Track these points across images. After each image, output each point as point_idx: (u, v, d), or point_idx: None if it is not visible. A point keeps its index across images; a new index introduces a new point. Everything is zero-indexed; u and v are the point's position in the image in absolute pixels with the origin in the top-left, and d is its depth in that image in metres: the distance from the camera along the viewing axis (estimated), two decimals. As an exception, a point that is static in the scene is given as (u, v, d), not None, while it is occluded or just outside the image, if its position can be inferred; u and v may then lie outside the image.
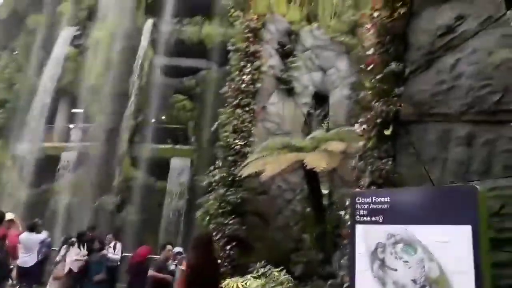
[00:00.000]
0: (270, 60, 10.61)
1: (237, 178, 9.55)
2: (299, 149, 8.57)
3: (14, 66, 22.41)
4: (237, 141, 9.70)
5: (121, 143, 18.67)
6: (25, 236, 9.28)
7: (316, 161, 7.34)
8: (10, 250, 5.58)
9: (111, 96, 19.30)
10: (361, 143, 4.21)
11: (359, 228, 3.40)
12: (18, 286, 8.99)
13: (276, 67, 10.71)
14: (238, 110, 9.86)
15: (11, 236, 5.72)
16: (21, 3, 23.41)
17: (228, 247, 9.19)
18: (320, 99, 12.00)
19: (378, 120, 3.93)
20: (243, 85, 9.96)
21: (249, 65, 10.06)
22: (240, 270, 8.94)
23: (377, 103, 3.98)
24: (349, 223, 3.65)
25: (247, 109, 9.92)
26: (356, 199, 3.46)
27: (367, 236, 3.34)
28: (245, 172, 8.31)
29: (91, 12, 21.79)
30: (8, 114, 21.09)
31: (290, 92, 10.89)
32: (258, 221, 9.90)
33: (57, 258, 9.95)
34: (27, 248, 9.21)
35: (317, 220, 8.84)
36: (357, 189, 4.02)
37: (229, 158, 9.75)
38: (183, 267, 4.58)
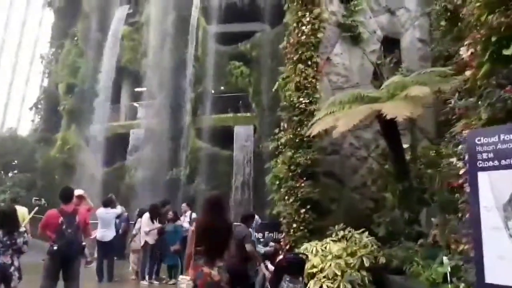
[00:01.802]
0: (330, 6, 9.57)
1: (305, 139, 8.91)
2: (374, 100, 7.68)
3: (76, 51, 23.23)
4: (301, 99, 8.96)
5: (184, 116, 18.77)
6: (102, 211, 9.54)
7: (397, 110, 6.46)
8: (82, 226, 5.49)
9: (169, 70, 19.36)
10: (467, 73, 3.32)
11: (482, 177, 2.63)
12: (92, 262, 9.30)
13: (338, 12, 9.66)
14: (300, 66, 9.06)
15: (82, 212, 5.63)
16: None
17: (302, 210, 8.69)
18: (390, 44, 10.79)
19: (493, 38, 3.03)
20: (303, 37, 9.08)
21: (307, 14, 9.11)
22: (317, 234, 8.45)
23: (491, 16, 3.06)
24: (462, 171, 2.87)
25: (309, 63, 9.07)
26: (476, 140, 2.68)
27: (495, 185, 2.57)
28: (314, 130, 7.63)
29: (141, -13, 21.75)
30: (76, 98, 22.07)
31: (355, 39, 9.82)
32: (332, 182, 9.25)
33: (134, 231, 10.18)
34: (105, 223, 9.50)
35: (399, 177, 7.99)
36: (474, 129, 3.18)
37: (294, 118, 9.07)
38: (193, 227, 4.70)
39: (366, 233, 7.93)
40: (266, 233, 10.58)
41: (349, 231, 8.00)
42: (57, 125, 23.07)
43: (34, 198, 8.91)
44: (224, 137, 17.65)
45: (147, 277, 9.35)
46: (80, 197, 6.41)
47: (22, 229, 4.98)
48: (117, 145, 20.24)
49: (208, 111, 18.82)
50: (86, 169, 19.82)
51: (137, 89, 22.47)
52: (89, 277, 9.02)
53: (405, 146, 8.57)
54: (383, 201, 8.94)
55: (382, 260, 7.11)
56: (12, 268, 4.68)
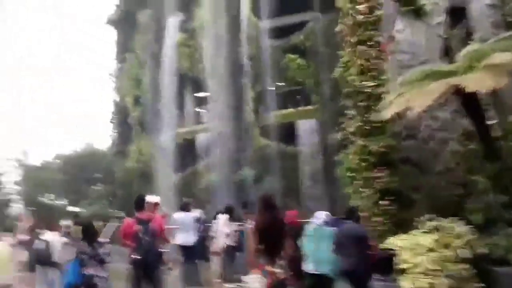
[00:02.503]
0: (387, -19, 8.86)
1: (376, 125, 8.32)
2: (448, 74, 6.90)
3: (137, 63, 24.23)
4: (366, 83, 8.38)
5: (246, 116, 18.76)
6: (179, 216, 9.67)
7: (478, 82, 5.71)
8: (158, 233, 5.52)
9: (226, 72, 19.45)
10: None
11: None
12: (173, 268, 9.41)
13: (397, -15, 8.90)
14: (361, 47, 8.47)
15: (157, 219, 5.67)
16: (129, 2, 24.96)
17: (382, 202, 8.12)
18: (457, 15, 9.73)
19: None
20: (360, 17, 8.48)
21: (364, -10, 8.50)
22: (403, 226, 7.80)
23: None
24: None
25: (370, 43, 8.45)
26: None
27: None
28: (385, 115, 7.06)
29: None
30: (143, 109, 23.04)
31: (417, 13, 8.96)
32: (411, 169, 8.54)
33: (212, 234, 10.23)
34: (184, 228, 9.61)
35: (489, 157, 7.13)
36: None
37: (361, 104, 8.52)
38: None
39: (460, 221, 7.19)
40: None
41: (439, 221, 7.31)
42: (130, 137, 24.29)
43: (115, 210, 9.33)
44: (288, 133, 17.36)
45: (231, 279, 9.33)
46: (155, 204, 6.49)
47: (103, 240, 5.12)
48: (186, 151, 20.82)
49: (269, 108, 18.62)
50: (161, 177, 20.62)
51: (198, 95, 22.92)
52: (174, 283, 9.12)
53: (490, 122, 7.66)
54: (472, 186, 8.08)
55: (483, 250, 6.36)
56: (97, 279, 4.82)
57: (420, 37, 8.94)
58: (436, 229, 7.22)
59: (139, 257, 5.32)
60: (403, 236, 6.98)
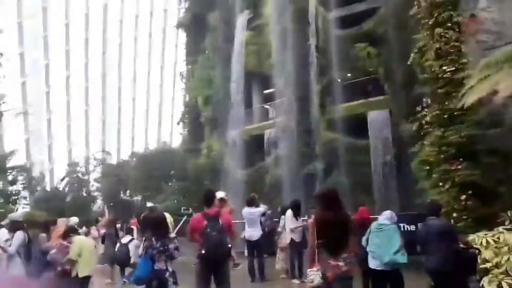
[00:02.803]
0: (467, -46, 8.12)
1: (456, 113, 7.68)
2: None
3: (208, 64, 24.94)
4: (445, 67, 7.76)
5: (313, 109, 18.44)
6: (246, 210, 9.78)
7: None
8: (226, 228, 5.53)
9: (294, 66, 19.25)
10: None
11: None
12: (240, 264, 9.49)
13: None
14: (438, 30, 7.84)
15: (225, 214, 5.68)
16: (198, 5, 25.76)
17: (463, 197, 7.50)
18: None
19: None
20: (438, -5, 7.86)
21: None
22: (485, 222, 7.14)
23: None
24: None
25: (449, 24, 7.80)
26: None
27: None
28: (468, 101, 6.47)
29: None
30: (214, 108, 23.68)
31: (505, -14, 8.13)
32: (496, 161, 7.77)
33: (279, 229, 10.21)
34: (251, 222, 9.71)
35: None
36: None
37: (439, 91, 7.91)
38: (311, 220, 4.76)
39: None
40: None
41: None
42: (201, 135, 25.12)
43: (183, 207, 9.59)
44: (358, 125, 16.70)
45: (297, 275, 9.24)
46: (222, 200, 6.56)
47: (172, 235, 5.22)
48: (254, 147, 21.02)
49: (337, 100, 18.09)
50: (230, 173, 21.05)
51: (266, 91, 23.01)
52: (240, 278, 9.19)
53: None
54: None
55: None
56: (167, 273, 4.90)
57: (508, 14, 8.07)
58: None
59: (206, 252, 5.36)
60: (485, 233, 6.34)
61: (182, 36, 31.20)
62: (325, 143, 17.66)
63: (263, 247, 9.82)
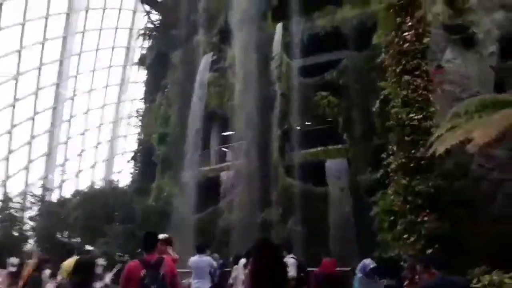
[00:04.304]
0: (433, 7, 8.29)
1: (423, 162, 7.43)
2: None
3: (167, 102, 24.30)
4: (412, 115, 7.60)
5: (272, 154, 18.07)
6: (196, 259, 8.73)
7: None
8: (169, 279, 4.56)
9: (255, 110, 19.05)
10: None
11: None
12: None
13: (443, 13, 8.32)
14: (406, 77, 7.78)
15: (168, 263, 4.70)
16: (162, 44, 25.52)
17: (429, 251, 7.06)
18: (510, 45, 9.03)
19: None
20: (406, 45, 7.86)
21: (408, 19, 7.92)
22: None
23: None
24: None
25: (417, 72, 7.76)
26: None
27: None
28: (440, 148, 6.20)
29: (223, 35, 22.32)
30: (168, 147, 22.74)
31: (468, 42, 8.33)
32: (464, 214, 7.50)
33: (230, 280, 9.21)
34: (199, 273, 8.63)
35: None
36: None
37: (406, 138, 7.69)
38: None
39: (524, 277, 6.03)
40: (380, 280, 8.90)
41: (500, 276, 6.17)
42: (152, 175, 23.88)
43: (118, 253, 8.41)
44: (315, 173, 16.45)
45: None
46: (166, 241, 5.56)
47: (98, 284, 4.23)
48: (209, 190, 20.09)
49: (296, 147, 17.87)
50: (180, 217, 19.83)
51: (225, 133, 22.54)
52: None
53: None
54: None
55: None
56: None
57: (471, 68, 8.21)
58: (493, 284, 6.11)
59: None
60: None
61: (143, 74, 30.67)
62: (282, 189, 17.15)
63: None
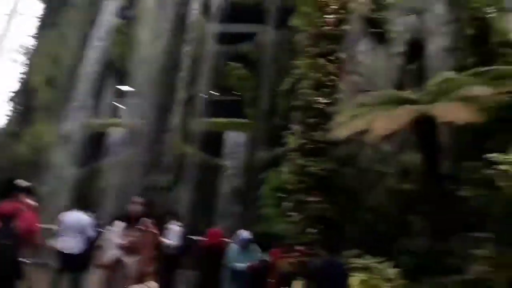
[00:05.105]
0: (359, -4, 8.41)
1: (321, 145, 7.55)
2: (415, 102, 6.40)
3: (60, 41, 21.47)
4: (320, 98, 7.64)
5: (172, 118, 17.20)
6: (68, 216, 7.80)
7: (454, 113, 5.16)
8: (24, 234, 3.77)
9: (161, 69, 17.84)
10: None
11: None
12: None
13: (366, 5, 8.48)
14: (321, 60, 7.77)
15: (26, 215, 3.88)
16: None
17: (312, 230, 7.25)
18: (416, 49, 9.64)
19: None
20: (327, 28, 7.83)
21: (333, 1, 7.88)
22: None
23: None
24: None
25: (331, 58, 7.81)
26: None
27: None
28: (341, 133, 6.28)
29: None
30: (54, 92, 20.23)
31: (382, 38, 8.65)
32: (347, 199, 7.87)
33: (101, 243, 8.35)
34: (71, 231, 7.71)
35: (433, 199, 6.67)
36: None
37: (310, 120, 7.72)
38: None
39: (390, 263, 6.54)
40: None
41: (369, 260, 6.61)
42: (32, 120, 21.06)
43: None
44: (214, 143, 16.10)
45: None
46: (26, 192, 4.60)
47: None
48: (95, 145, 18.41)
49: (199, 114, 17.21)
50: (57, 169, 17.86)
51: (122, 87, 20.79)
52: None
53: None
54: (407, 226, 7.60)
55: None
56: None
57: (380, 64, 8.55)
58: (365, 268, 6.53)
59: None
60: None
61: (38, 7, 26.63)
62: (176, 156, 16.47)
63: (82, 261, 7.81)
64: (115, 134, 18.36)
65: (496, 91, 5.44)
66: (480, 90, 5.31)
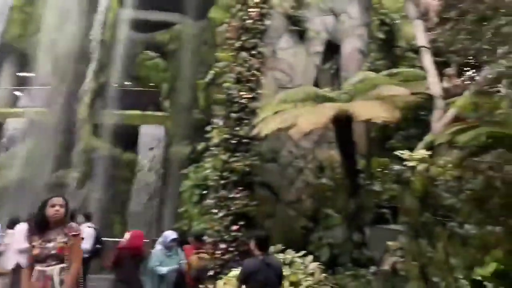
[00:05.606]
0: (281, -8, 8.45)
1: (244, 141, 7.48)
2: (330, 101, 6.60)
3: None
4: (243, 93, 7.55)
5: (80, 108, 15.86)
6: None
7: (371, 111, 5.39)
8: None
9: (67, 54, 16.30)
10: None
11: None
12: None
13: (287, 1, 8.55)
14: (243, 54, 7.66)
15: None
16: None
17: (235, 227, 7.16)
18: (332, 49, 10.02)
19: None
20: (249, 21, 7.74)
21: (255, -5, 7.82)
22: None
23: None
24: None
25: (254, 52, 7.74)
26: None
27: None
28: (265, 129, 6.24)
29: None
30: None
31: (301, 36, 8.80)
32: (268, 195, 7.92)
33: (0, 248, 7.44)
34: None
35: (350, 192, 6.98)
36: None
37: (233, 115, 7.59)
38: None
39: (311, 257, 6.70)
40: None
41: (291, 255, 6.70)
42: None
43: None
44: (128, 137, 15.18)
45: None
46: None
47: None
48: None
49: (110, 105, 16.07)
50: None
51: (22, 74, 18.67)
52: None
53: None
54: (322, 220, 7.88)
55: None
56: None
57: (299, 61, 8.70)
58: (285, 263, 6.61)
59: None
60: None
61: None
62: (85, 150, 15.24)
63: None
64: (15, 124, 16.48)
65: (408, 91, 5.83)
66: (398, 90, 5.64)
